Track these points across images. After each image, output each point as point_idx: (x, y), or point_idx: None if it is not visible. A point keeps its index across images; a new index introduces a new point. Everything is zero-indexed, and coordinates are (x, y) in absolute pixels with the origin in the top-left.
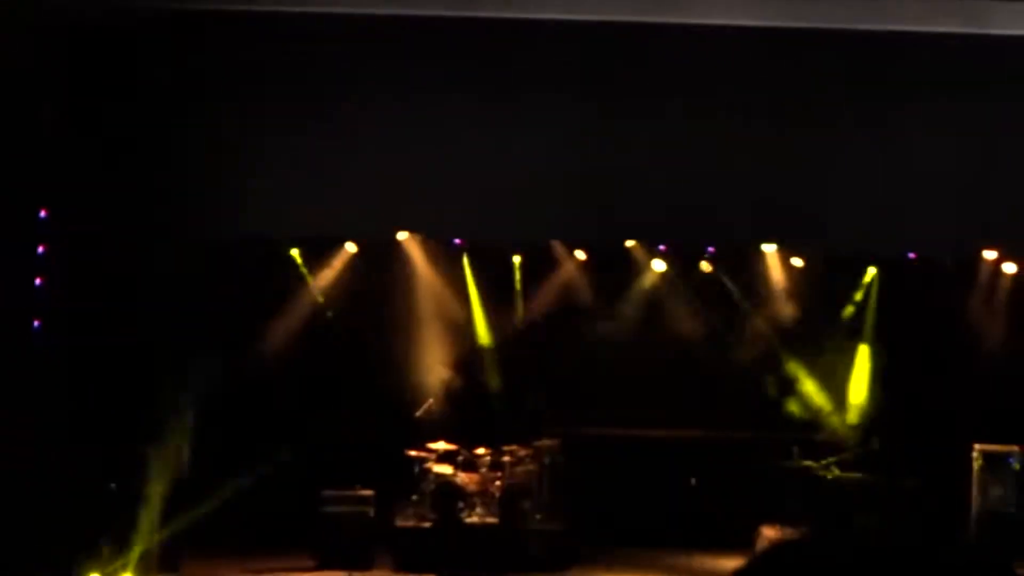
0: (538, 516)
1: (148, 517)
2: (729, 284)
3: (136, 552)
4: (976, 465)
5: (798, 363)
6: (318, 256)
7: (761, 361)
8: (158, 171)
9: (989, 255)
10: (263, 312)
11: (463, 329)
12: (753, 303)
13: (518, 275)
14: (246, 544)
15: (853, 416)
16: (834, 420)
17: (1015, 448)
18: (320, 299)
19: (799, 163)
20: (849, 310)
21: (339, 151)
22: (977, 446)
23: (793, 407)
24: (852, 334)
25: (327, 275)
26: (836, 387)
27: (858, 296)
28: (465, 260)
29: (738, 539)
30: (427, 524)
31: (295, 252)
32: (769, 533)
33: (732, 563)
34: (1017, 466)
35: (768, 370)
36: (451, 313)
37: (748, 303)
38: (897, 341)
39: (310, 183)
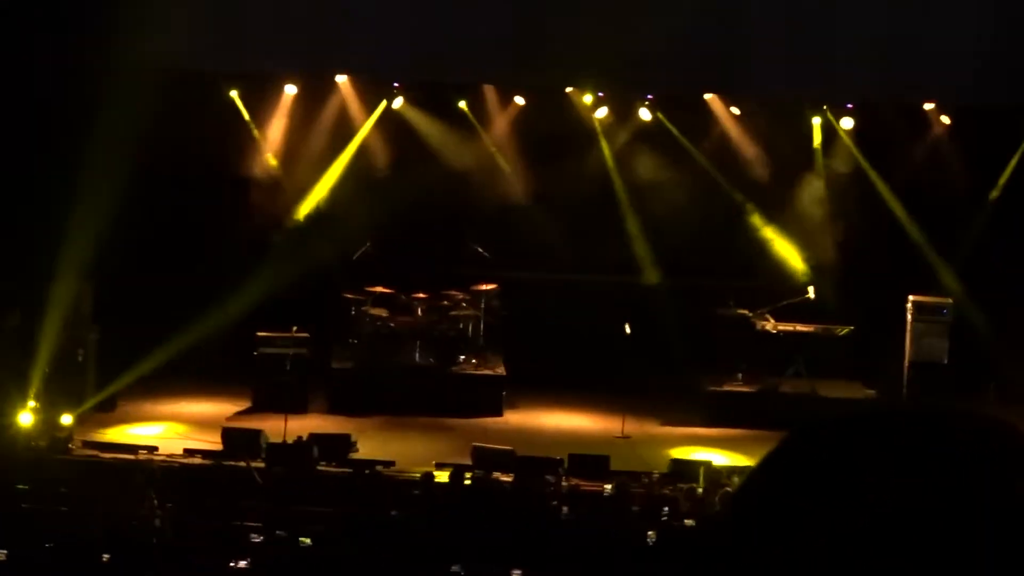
0: (474, 360)
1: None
2: (674, 130)
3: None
4: (910, 316)
5: (750, 209)
6: (259, 98)
7: (708, 208)
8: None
9: (928, 106)
10: (203, 157)
11: (403, 174)
12: (701, 149)
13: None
14: (183, 383)
15: (797, 265)
16: (780, 268)
17: (948, 300)
18: (260, 140)
19: (731, 14)
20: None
21: None
22: (911, 297)
23: (743, 253)
24: (797, 184)
25: (268, 117)
26: (782, 237)
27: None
28: (402, 102)
29: (669, 384)
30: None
31: (234, 93)
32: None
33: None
34: (950, 317)
35: (718, 217)
36: (392, 157)
37: (695, 149)
38: (839, 189)
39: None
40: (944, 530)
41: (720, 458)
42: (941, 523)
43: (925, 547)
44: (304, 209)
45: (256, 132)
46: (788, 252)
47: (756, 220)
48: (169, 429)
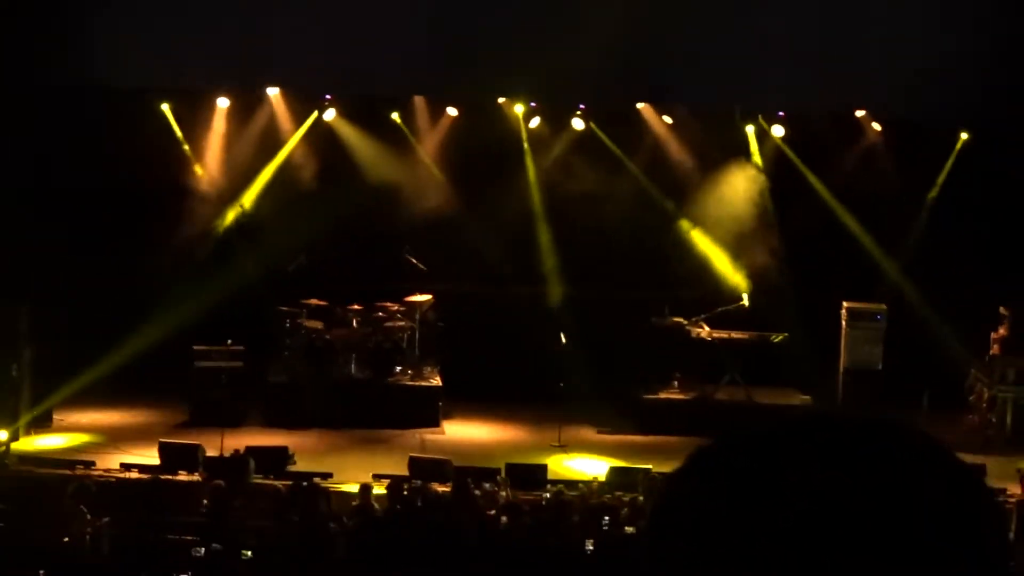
0: (410, 372)
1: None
2: (606, 140)
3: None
4: (844, 322)
5: (682, 219)
6: (190, 110)
7: (643, 218)
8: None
9: (859, 113)
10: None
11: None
12: (634, 159)
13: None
14: (119, 398)
15: (731, 273)
16: (714, 276)
17: (882, 307)
18: (189, 153)
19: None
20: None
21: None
22: (846, 303)
23: (677, 262)
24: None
25: (199, 130)
26: (716, 245)
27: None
28: (334, 114)
29: (604, 395)
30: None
31: (165, 107)
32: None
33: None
34: (884, 324)
35: (652, 227)
36: (323, 169)
37: (628, 159)
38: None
39: (177, 34)
40: (857, 529)
41: (658, 466)
42: (854, 523)
43: (839, 544)
44: (231, 216)
45: (187, 146)
46: (721, 260)
47: (689, 229)
48: (106, 443)
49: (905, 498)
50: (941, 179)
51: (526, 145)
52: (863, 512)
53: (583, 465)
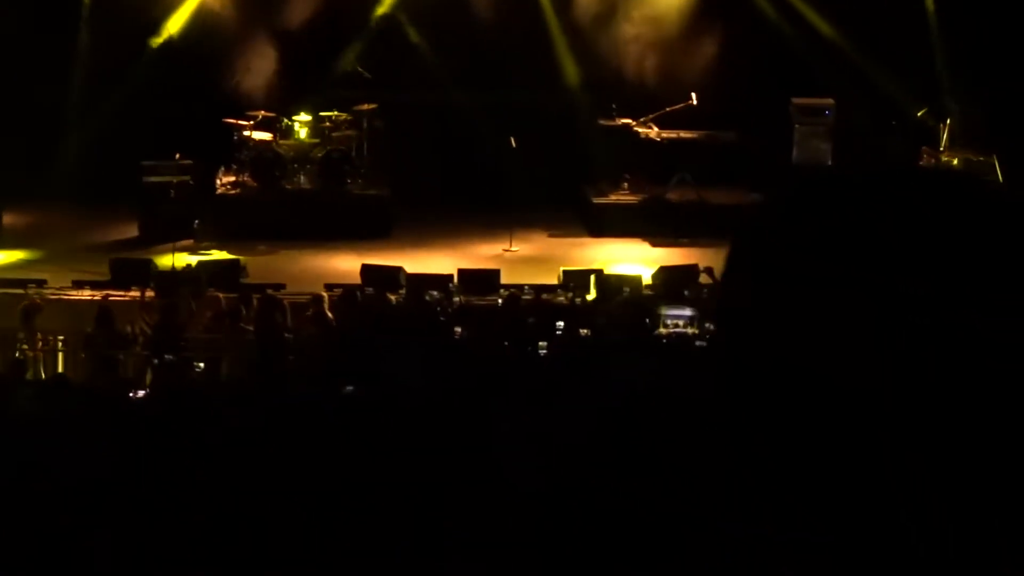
0: (360, 181)
1: None
2: None
3: None
4: (792, 119)
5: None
6: None
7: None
8: None
9: None
10: None
11: None
12: None
13: None
14: (68, 213)
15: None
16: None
17: (830, 101)
18: None
19: None
20: None
21: None
22: (793, 100)
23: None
24: None
25: None
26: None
27: None
28: None
29: (557, 197)
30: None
31: None
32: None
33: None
34: (832, 119)
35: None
36: None
37: None
38: None
39: None
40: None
41: (611, 267)
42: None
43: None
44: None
45: None
46: (667, 57)
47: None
48: (56, 260)
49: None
50: None
51: None
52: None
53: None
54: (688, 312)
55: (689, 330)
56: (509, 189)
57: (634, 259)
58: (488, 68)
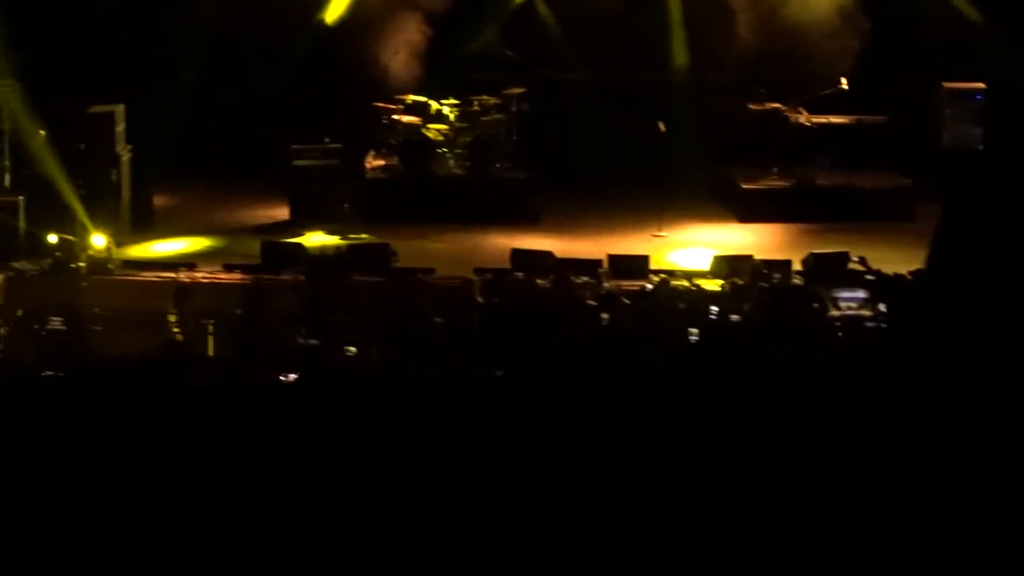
0: (507, 165)
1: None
2: None
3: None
4: (942, 103)
5: None
6: None
7: None
8: None
9: None
10: None
11: None
12: None
13: None
14: (224, 197)
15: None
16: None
17: (981, 85)
18: None
19: None
20: None
21: None
22: (944, 84)
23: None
24: None
25: None
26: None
27: None
28: None
29: (705, 181)
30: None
31: None
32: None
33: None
34: (982, 103)
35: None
36: None
37: None
38: None
39: None
40: None
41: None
42: None
43: None
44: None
45: None
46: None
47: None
48: (208, 245)
49: None
50: None
51: None
52: None
53: (685, 256)
54: (862, 294)
55: (864, 311)
56: (655, 172)
57: (782, 245)
58: (632, 48)
